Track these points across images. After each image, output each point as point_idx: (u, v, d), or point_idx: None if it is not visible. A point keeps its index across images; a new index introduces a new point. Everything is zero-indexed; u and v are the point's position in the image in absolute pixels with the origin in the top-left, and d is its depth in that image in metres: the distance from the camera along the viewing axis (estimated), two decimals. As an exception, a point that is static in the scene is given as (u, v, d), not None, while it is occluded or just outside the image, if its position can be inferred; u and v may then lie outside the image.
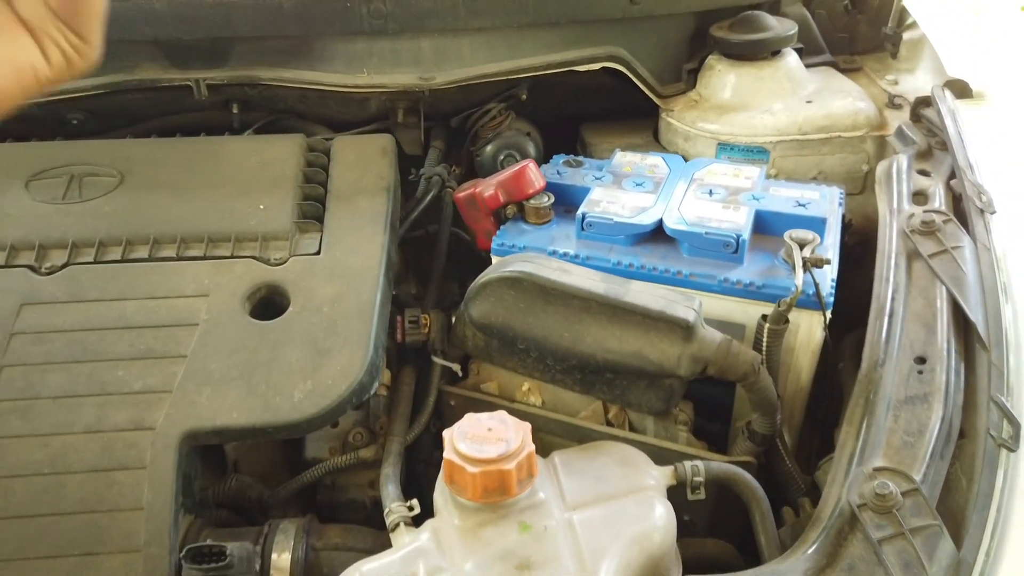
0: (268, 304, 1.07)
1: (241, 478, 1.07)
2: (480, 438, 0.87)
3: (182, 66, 1.37)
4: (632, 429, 1.11)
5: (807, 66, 1.56)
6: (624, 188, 1.22)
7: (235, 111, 1.44)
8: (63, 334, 1.01)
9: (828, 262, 1.05)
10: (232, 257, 1.10)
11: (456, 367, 1.16)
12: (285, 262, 1.10)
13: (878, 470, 0.87)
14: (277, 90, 1.41)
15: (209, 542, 0.89)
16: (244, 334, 1.01)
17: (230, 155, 1.25)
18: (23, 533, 0.88)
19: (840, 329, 1.18)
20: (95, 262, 1.08)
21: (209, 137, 1.33)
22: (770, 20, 1.48)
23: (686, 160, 1.33)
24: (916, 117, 1.40)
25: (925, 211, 1.14)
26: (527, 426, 0.88)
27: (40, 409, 0.94)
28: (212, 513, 1.03)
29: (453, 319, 1.13)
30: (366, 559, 0.84)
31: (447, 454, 0.86)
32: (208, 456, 1.03)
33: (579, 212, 1.15)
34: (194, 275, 1.07)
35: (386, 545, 0.90)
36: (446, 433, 0.88)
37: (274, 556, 0.93)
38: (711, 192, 1.18)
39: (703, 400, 1.13)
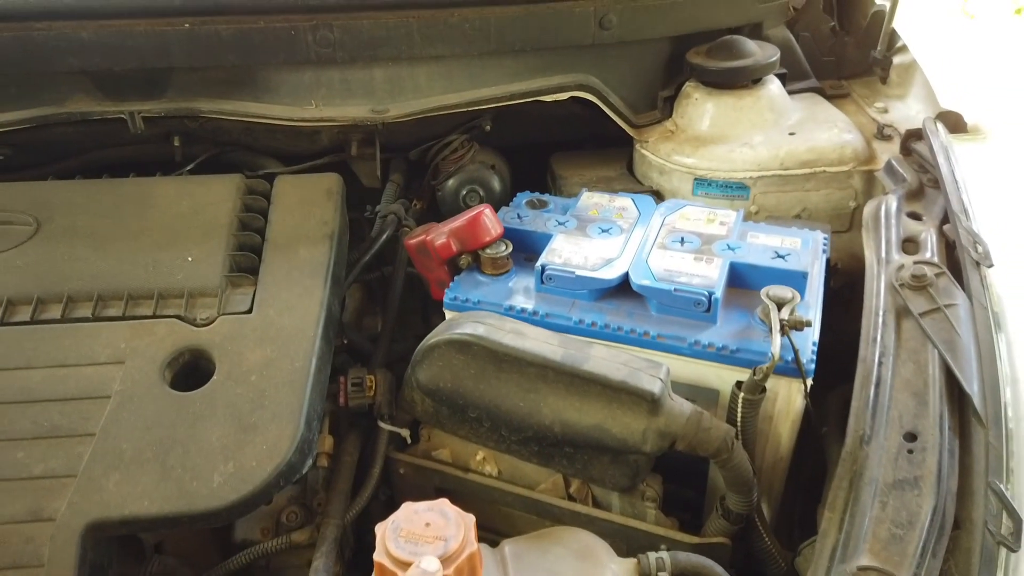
0: (191, 371, 0.97)
1: (165, 561, 0.97)
2: (416, 536, 0.77)
3: (115, 98, 1.27)
4: (596, 504, 1.02)
5: (791, 92, 1.46)
6: (589, 235, 1.12)
7: (176, 144, 1.34)
8: (-42, 410, 0.90)
9: (809, 324, 0.95)
10: (154, 317, 1.00)
11: (405, 432, 1.06)
12: (212, 322, 1.00)
13: (863, 570, 0.78)
14: (220, 122, 1.31)
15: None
16: (161, 408, 0.91)
17: (160, 199, 1.15)
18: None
19: (827, 377, 1.09)
20: (1, 323, 0.98)
21: (138, 179, 1.23)
22: (750, 45, 1.39)
23: (661, 197, 1.23)
24: (907, 151, 1.30)
25: (916, 262, 1.04)
26: (470, 520, 0.78)
27: (-76, 497, 0.84)
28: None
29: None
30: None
31: (377, 555, 0.76)
32: (124, 539, 0.93)
33: (539, 264, 1.05)
34: (110, 339, 0.97)
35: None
36: (379, 528, 0.78)
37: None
38: (683, 240, 1.08)
39: (674, 464, 1.03)
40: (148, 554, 0.99)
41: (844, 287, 1.32)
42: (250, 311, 1.01)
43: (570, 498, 1.02)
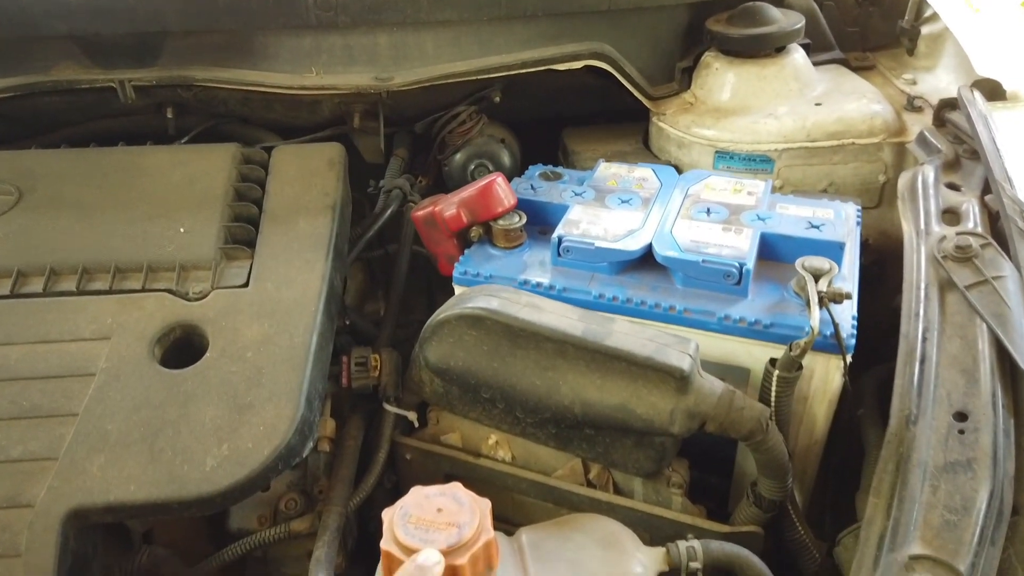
0: (183, 347, 0.90)
1: (155, 551, 0.91)
2: (427, 523, 0.71)
3: (105, 65, 1.20)
4: (617, 491, 0.95)
5: (815, 64, 1.39)
6: (608, 206, 1.05)
7: (170, 115, 1.27)
8: (-71, 388, 0.84)
9: (849, 296, 0.88)
10: (143, 291, 0.93)
11: (412, 415, 1.00)
12: (205, 296, 0.93)
13: (915, 559, 0.71)
14: (215, 92, 1.24)
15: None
16: (150, 386, 0.85)
17: (151, 168, 1.08)
18: None
19: (858, 358, 1.02)
20: (-22, 298, 0.91)
21: (128, 148, 1.16)
22: (773, 12, 1.32)
23: (679, 172, 1.17)
24: (940, 122, 1.23)
25: (959, 233, 0.97)
26: (486, 505, 0.71)
27: None
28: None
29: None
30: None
31: (385, 543, 0.69)
32: (111, 528, 0.87)
33: (555, 235, 0.98)
34: (95, 313, 0.90)
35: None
36: (386, 514, 0.71)
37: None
38: (708, 211, 1.01)
39: (700, 447, 0.96)
40: (136, 544, 0.92)
41: (874, 264, 1.25)
42: (246, 285, 0.95)
43: (589, 484, 0.95)
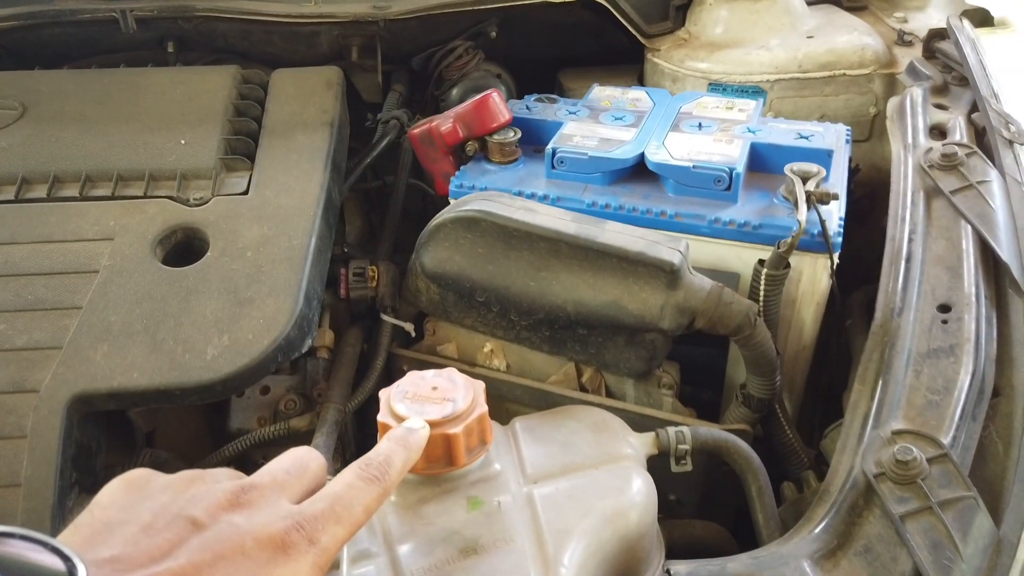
0: (184, 249, 0.92)
1: (156, 453, 0.93)
2: (422, 398, 0.73)
3: (106, -5, 1.22)
4: (610, 394, 0.97)
5: (808, 4, 1.41)
6: (601, 122, 1.07)
7: (170, 50, 1.29)
8: (-64, 282, 0.86)
9: (836, 197, 0.90)
10: (145, 197, 0.95)
11: (408, 327, 1.01)
12: (206, 202, 0.95)
13: (898, 433, 0.73)
14: (216, 24, 1.26)
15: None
16: (152, 282, 0.87)
17: (152, 87, 1.10)
18: None
19: (847, 287, 1.04)
20: (-18, 202, 0.93)
21: (129, 68, 1.18)
22: (766, -52, 1.34)
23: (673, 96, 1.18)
24: (930, 53, 1.26)
25: (945, 144, 0.99)
26: (479, 385, 0.73)
27: (-98, 367, 0.80)
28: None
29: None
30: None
31: (381, 416, 0.71)
32: (114, 427, 0.89)
33: (549, 147, 1.00)
34: (98, 217, 0.92)
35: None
36: (383, 393, 0.73)
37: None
38: (700, 125, 1.04)
39: (691, 364, 0.98)
40: (139, 445, 0.94)
41: (864, 197, 1.28)
42: (246, 192, 0.97)
43: (582, 389, 0.97)
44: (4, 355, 0.81)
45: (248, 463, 0.96)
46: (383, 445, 0.60)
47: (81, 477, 0.81)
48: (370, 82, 1.36)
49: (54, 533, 0.71)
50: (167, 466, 0.92)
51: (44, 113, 1.04)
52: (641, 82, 1.42)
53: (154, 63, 1.31)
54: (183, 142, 1.00)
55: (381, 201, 1.33)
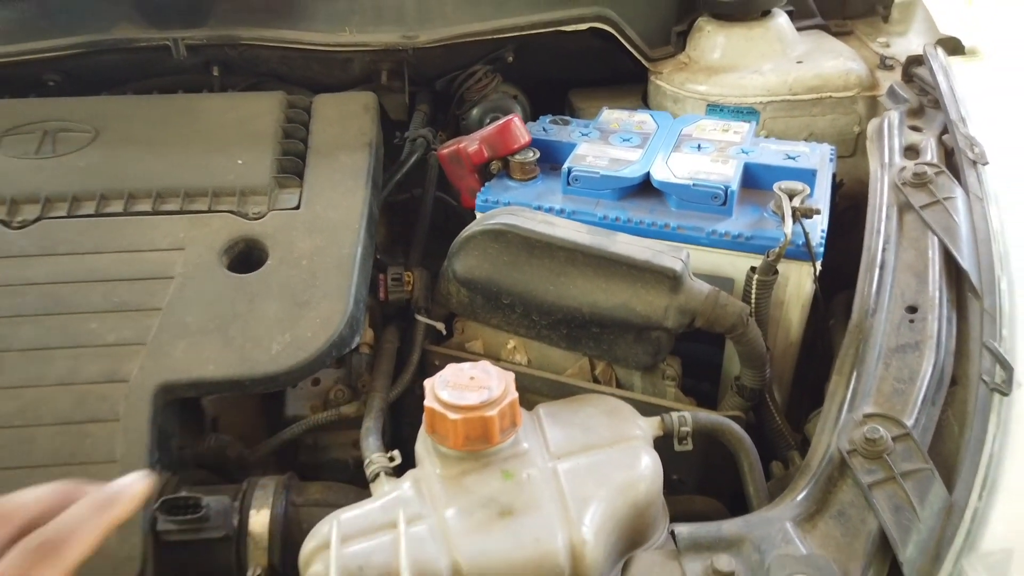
0: (246, 258, 1.04)
1: (220, 437, 1.05)
2: (462, 386, 0.85)
3: (160, 25, 1.34)
4: (619, 385, 1.09)
5: (798, 29, 1.54)
6: (611, 143, 1.19)
7: (216, 74, 1.41)
8: (35, 287, 0.98)
9: (818, 212, 1.03)
10: (209, 212, 1.07)
11: (440, 326, 1.14)
12: (263, 216, 1.07)
13: (868, 416, 0.85)
14: (259, 51, 1.38)
15: (184, 494, 0.87)
16: (221, 287, 0.99)
17: (208, 111, 1.22)
18: (-7, 486, 0.85)
19: (832, 290, 1.16)
20: (68, 216, 1.06)
21: (186, 95, 1.30)
22: (760, -20, 1.46)
23: (674, 118, 1.31)
24: (908, 77, 1.38)
25: (917, 164, 1.12)
26: (510, 375, 0.86)
27: (10, 361, 0.92)
28: (190, 472, 1.00)
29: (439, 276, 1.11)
30: (342, 508, 0.82)
31: (428, 402, 0.84)
32: (186, 414, 1.01)
33: (565, 166, 1.13)
34: (169, 229, 1.05)
35: (368, 501, 0.88)
36: (427, 382, 0.86)
37: (252, 512, 0.91)
38: (699, 147, 1.16)
39: (692, 359, 1.11)
40: (206, 430, 1.06)
41: (848, 209, 1.40)
42: (298, 207, 1.09)
43: (595, 380, 1.09)
44: (97, 350, 0.93)
45: (301, 447, 1.08)
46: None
47: (162, 457, 0.93)
48: (397, 102, 1.48)
49: (151, 503, 0.84)
50: (230, 446, 1.04)
51: (115, 136, 1.17)
52: (645, 102, 1.54)
53: (200, 85, 1.44)
54: (240, 162, 1.13)
55: (404, 212, 1.45)
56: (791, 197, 1.03)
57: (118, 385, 0.91)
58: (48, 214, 1.06)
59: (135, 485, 0.58)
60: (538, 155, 1.18)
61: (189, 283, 0.99)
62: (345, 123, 1.22)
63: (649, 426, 0.92)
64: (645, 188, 1.12)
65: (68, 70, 1.38)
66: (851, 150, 1.44)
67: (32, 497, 0.56)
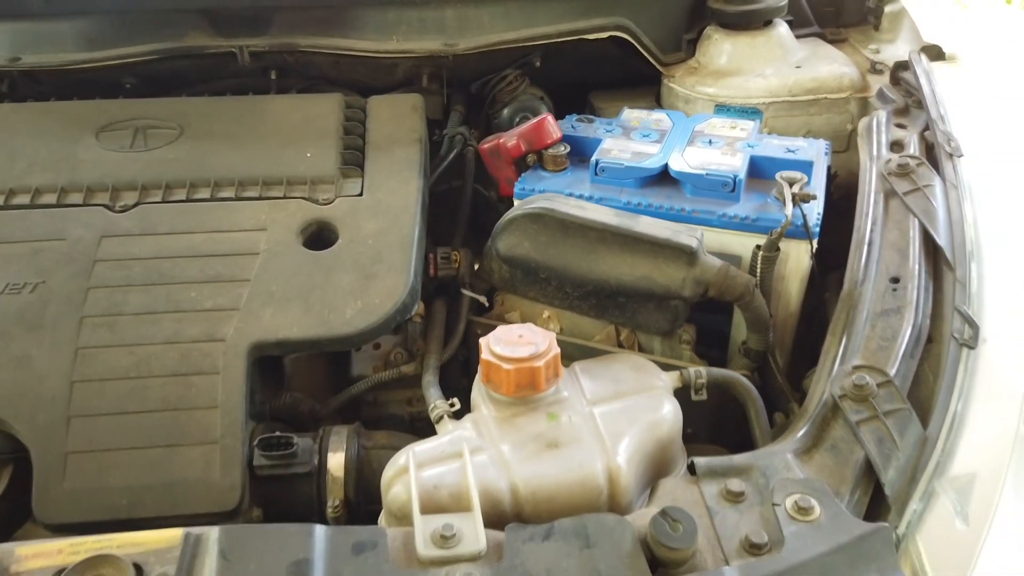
0: (319, 238, 1.20)
1: (294, 394, 1.19)
2: (512, 343, 1.00)
3: (227, 34, 1.50)
4: (641, 349, 1.24)
5: (796, 37, 1.69)
6: (632, 139, 1.35)
7: (273, 77, 1.57)
8: (140, 261, 1.13)
9: (815, 197, 1.18)
10: (285, 198, 1.23)
11: (483, 299, 1.29)
12: (332, 202, 1.23)
13: (857, 367, 1.00)
14: (313, 57, 1.54)
15: (278, 433, 1.02)
16: (300, 262, 1.15)
17: (276, 111, 1.38)
18: (115, 428, 1.00)
19: (827, 270, 1.32)
20: (163, 201, 1.22)
21: (255, 96, 1.46)
22: (762, -7, 1.62)
23: (688, 117, 1.47)
24: (895, 80, 1.54)
25: (901, 156, 1.28)
26: (553, 334, 1.01)
27: (124, 323, 1.07)
28: (270, 425, 1.15)
29: (480, 258, 1.27)
30: (415, 443, 0.97)
31: (484, 355, 0.99)
32: (265, 373, 1.16)
33: (593, 158, 1.29)
34: (252, 212, 1.20)
35: (428, 445, 1.03)
36: (483, 340, 1.01)
37: (330, 454, 1.06)
38: (711, 141, 1.32)
39: (703, 329, 1.26)
40: (285, 386, 1.22)
41: (842, 199, 1.55)
42: (361, 194, 1.25)
43: (620, 345, 1.25)
44: (197, 315, 1.09)
45: (363, 403, 1.24)
46: None
47: (250, 407, 1.08)
48: (435, 103, 1.63)
49: (244, 443, 0.99)
50: (303, 402, 1.20)
51: (197, 132, 1.32)
52: (659, 102, 1.70)
53: (256, 88, 1.59)
54: (308, 155, 1.29)
55: (443, 201, 1.61)
56: (791, 184, 1.19)
57: (217, 344, 1.06)
58: (145, 199, 1.22)
59: None
60: (568, 149, 1.34)
61: (272, 258, 1.15)
62: (397, 121, 1.38)
63: (670, 378, 1.08)
64: (663, 177, 1.27)
65: (144, 74, 1.54)
66: (845, 146, 1.59)
67: None
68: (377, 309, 1.10)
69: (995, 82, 1.44)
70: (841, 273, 1.34)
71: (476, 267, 1.30)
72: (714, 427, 1.22)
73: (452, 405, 1.06)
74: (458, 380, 1.32)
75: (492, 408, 0.99)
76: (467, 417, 1.01)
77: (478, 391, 1.03)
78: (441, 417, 1.04)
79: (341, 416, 1.22)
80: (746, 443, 1.09)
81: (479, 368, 1.01)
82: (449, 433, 0.98)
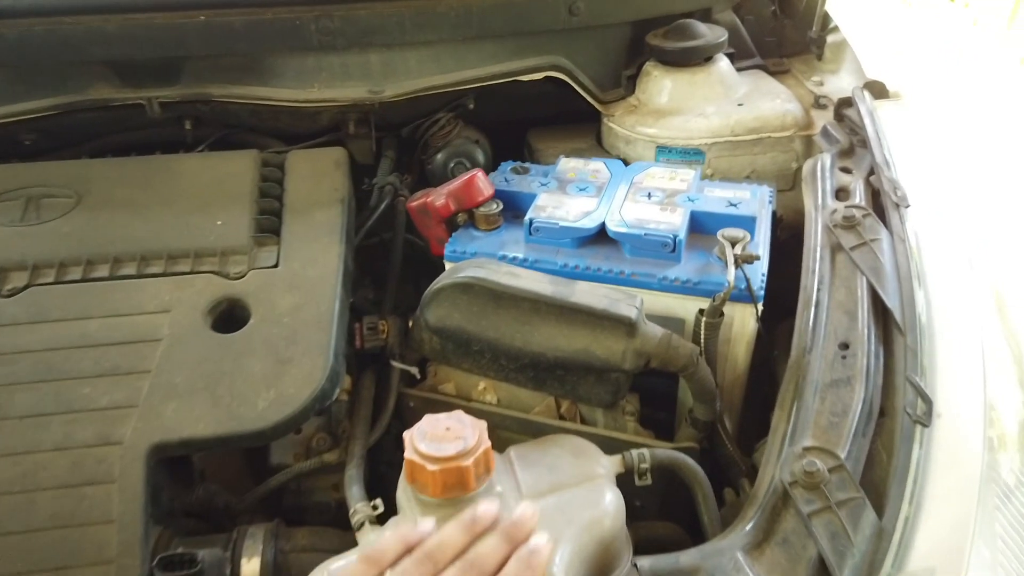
0: (229, 317, 1.10)
1: (208, 487, 1.10)
2: (439, 437, 0.92)
3: (134, 85, 1.39)
4: (583, 422, 1.18)
5: (738, 69, 1.64)
6: (568, 193, 1.28)
7: (188, 127, 1.47)
8: (27, 355, 1.03)
9: (758, 258, 1.12)
10: (192, 273, 1.13)
11: (414, 370, 1.21)
12: (244, 276, 1.13)
13: (807, 449, 0.95)
14: (229, 106, 1.44)
15: (180, 550, 0.92)
16: (207, 347, 1.05)
17: (185, 172, 1.28)
18: (-3, 551, 0.90)
19: (776, 316, 1.26)
20: (56, 282, 1.11)
21: (164, 155, 1.36)
22: (702, 28, 1.56)
23: (626, 164, 1.40)
24: (839, 117, 1.49)
25: (847, 207, 1.22)
26: (483, 424, 0.93)
27: (8, 428, 0.97)
28: (180, 523, 1.06)
29: (410, 323, 1.19)
30: (333, 558, 0.89)
31: (408, 454, 0.91)
32: (175, 467, 1.07)
33: (527, 218, 1.21)
34: (155, 292, 1.10)
35: (352, 545, 0.95)
36: (406, 434, 0.93)
37: (244, 561, 0.96)
38: (649, 195, 1.25)
39: (650, 391, 1.20)
40: (197, 481, 1.12)
41: (789, 239, 1.50)
42: (277, 265, 1.15)
43: (561, 418, 1.18)
44: (91, 414, 0.99)
45: (286, 491, 1.15)
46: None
47: (154, 511, 0.98)
48: (363, 148, 1.54)
49: (144, 561, 0.90)
50: (218, 495, 1.10)
51: (97, 200, 1.22)
52: (599, 140, 1.63)
53: (171, 138, 1.49)
54: (219, 223, 1.19)
55: (380, 254, 1.52)
56: (733, 245, 1.12)
57: (113, 448, 0.96)
58: (36, 281, 1.11)
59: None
60: (501, 206, 1.26)
61: (176, 344, 1.05)
62: (318, 180, 1.28)
63: (612, 464, 1.01)
64: (601, 236, 1.20)
65: (44, 128, 1.42)
66: (790, 184, 1.54)
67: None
68: (292, 399, 1.01)
69: (939, 122, 1.39)
70: (788, 327, 1.29)
71: (408, 332, 1.21)
72: (664, 499, 1.15)
73: (375, 508, 0.97)
74: (393, 455, 1.24)
75: (418, 511, 0.91)
76: (391, 522, 0.93)
77: (403, 492, 0.94)
78: (362, 523, 0.96)
79: (263, 506, 1.13)
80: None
81: (404, 466, 0.93)
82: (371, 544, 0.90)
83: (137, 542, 0.91)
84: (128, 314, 1.08)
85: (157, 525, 0.97)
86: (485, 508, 0.73)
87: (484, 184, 1.25)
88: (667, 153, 1.50)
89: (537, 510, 0.75)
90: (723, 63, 1.58)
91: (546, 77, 1.53)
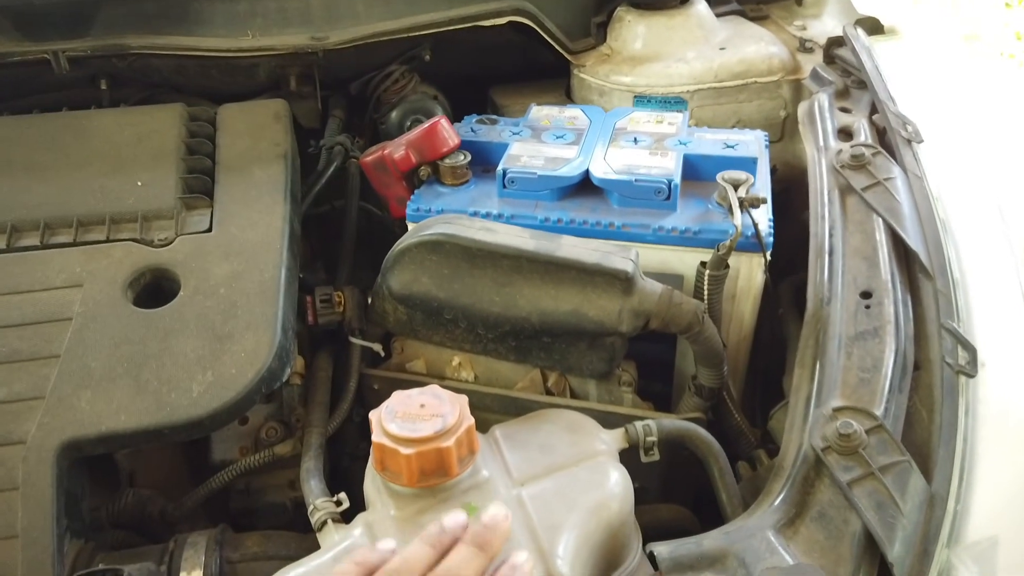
0: (154, 290, 0.94)
1: (138, 492, 0.95)
2: (412, 416, 0.78)
3: (37, 37, 1.21)
4: (574, 396, 1.04)
5: (716, 15, 1.52)
6: (544, 141, 1.14)
7: (104, 87, 1.28)
8: (-93, 342, 0.85)
9: (765, 201, 1.00)
10: (108, 241, 0.96)
11: (377, 347, 1.06)
12: (171, 243, 0.97)
13: (838, 410, 0.83)
14: (150, 60, 1.26)
15: (101, 567, 0.76)
16: (128, 325, 0.88)
17: (99, 130, 1.10)
18: None
19: (774, 277, 1.14)
20: (-60, 257, 0.93)
21: (73, 112, 1.17)
22: (677, -32, 1.44)
23: (606, 112, 1.26)
24: (830, 58, 1.37)
25: (853, 145, 1.10)
26: (464, 399, 0.79)
27: None
28: (107, 535, 0.90)
29: (370, 297, 1.03)
30: (291, 565, 0.73)
31: (376, 437, 0.76)
32: (97, 470, 0.90)
33: (500, 168, 1.07)
34: (63, 264, 0.93)
35: (313, 549, 0.79)
36: (373, 414, 0.78)
37: (182, 575, 0.81)
38: (636, 140, 1.12)
39: (643, 359, 1.06)
40: (123, 485, 0.95)
41: (782, 193, 1.38)
42: (210, 230, 0.99)
43: (548, 393, 1.03)
44: (-15, 409, 0.82)
45: (233, 493, 0.98)
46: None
47: (72, 523, 0.82)
48: (309, 108, 1.38)
49: (55, 582, 0.74)
50: (151, 502, 0.94)
51: (-7, 162, 1.04)
52: (569, 96, 1.49)
53: (85, 101, 1.30)
54: (140, 184, 1.02)
55: (324, 225, 1.36)
56: (736, 187, 1.00)
57: (14, 448, 0.81)
58: (-77, 256, 0.92)
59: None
60: (469, 158, 1.11)
61: (91, 324, 0.88)
62: (255, 134, 1.12)
63: (613, 439, 0.87)
64: (585, 186, 1.06)
65: (-65, 91, 1.23)
66: (779, 134, 1.43)
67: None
68: (233, 381, 0.85)
69: (942, 57, 1.29)
70: (793, 283, 1.17)
71: (368, 305, 1.06)
72: (666, 479, 1.02)
73: (338, 504, 0.82)
74: (356, 445, 1.08)
75: (391, 504, 0.77)
76: (359, 519, 0.78)
77: (371, 482, 0.80)
78: (324, 523, 0.80)
79: (206, 511, 0.97)
80: (706, 497, 0.91)
81: (371, 452, 0.78)
82: (334, 547, 0.75)
83: (48, 559, 0.76)
84: (30, 291, 0.91)
85: (76, 539, 0.82)
86: (453, 518, 0.65)
87: (448, 132, 1.10)
88: (646, 104, 1.37)
89: (509, 513, 0.66)
90: (701, 6, 1.46)
91: (510, 24, 1.38)
